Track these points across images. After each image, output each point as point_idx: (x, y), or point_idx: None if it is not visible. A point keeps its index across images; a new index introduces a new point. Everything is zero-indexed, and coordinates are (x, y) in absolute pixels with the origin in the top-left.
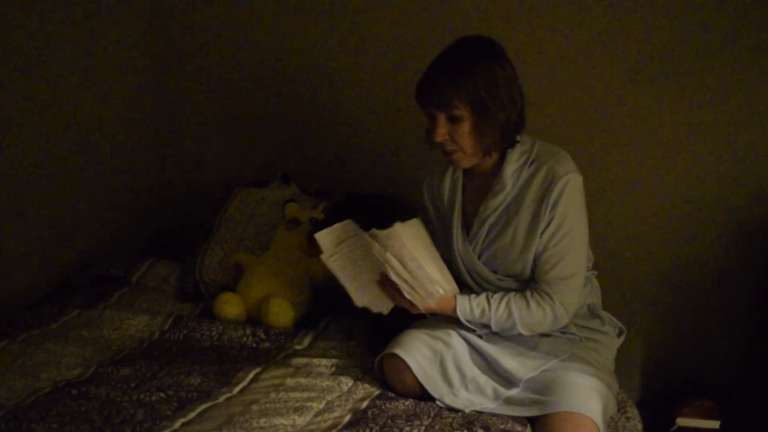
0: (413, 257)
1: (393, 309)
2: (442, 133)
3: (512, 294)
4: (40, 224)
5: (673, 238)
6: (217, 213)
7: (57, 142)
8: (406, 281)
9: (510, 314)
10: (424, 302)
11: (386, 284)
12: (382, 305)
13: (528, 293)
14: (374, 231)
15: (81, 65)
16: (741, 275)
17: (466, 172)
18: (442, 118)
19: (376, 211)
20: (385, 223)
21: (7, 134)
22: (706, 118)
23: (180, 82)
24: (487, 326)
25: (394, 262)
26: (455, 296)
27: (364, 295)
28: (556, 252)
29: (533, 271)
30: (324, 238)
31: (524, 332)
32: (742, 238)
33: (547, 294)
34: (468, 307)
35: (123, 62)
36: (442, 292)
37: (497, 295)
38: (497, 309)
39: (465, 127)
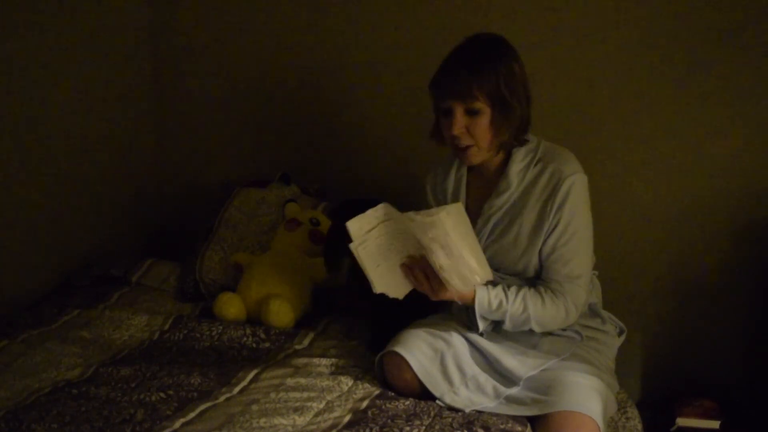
0: (455, 245)
1: (399, 304)
2: (460, 125)
3: (527, 289)
4: (40, 224)
5: (674, 238)
6: (217, 213)
7: (57, 141)
8: (444, 266)
9: (525, 308)
10: (447, 291)
11: (413, 269)
12: (399, 290)
13: (541, 289)
14: (415, 216)
15: (81, 65)
16: (741, 275)
17: (471, 170)
18: (460, 111)
19: None
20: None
21: (7, 134)
22: (706, 118)
23: (180, 82)
24: (496, 322)
25: (438, 248)
26: (474, 287)
27: (384, 281)
28: (566, 252)
29: (541, 271)
30: (354, 225)
31: (536, 328)
32: (742, 238)
33: (559, 292)
34: (486, 298)
35: (123, 62)
36: (478, 279)
37: (513, 288)
38: (514, 302)
39: (483, 121)
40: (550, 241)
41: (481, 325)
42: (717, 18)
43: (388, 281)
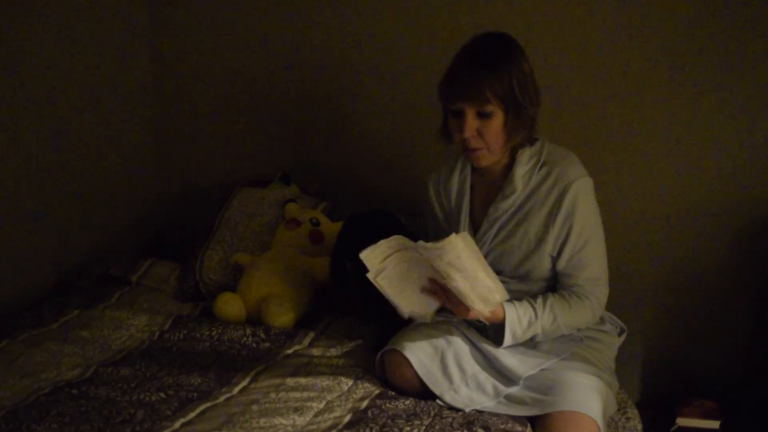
0: (470, 266)
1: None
2: (471, 128)
3: (551, 296)
4: (39, 224)
5: (674, 238)
6: (217, 213)
7: (57, 141)
8: (463, 291)
9: (555, 318)
10: (471, 311)
11: (437, 289)
12: (426, 313)
13: (564, 294)
14: (425, 244)
15: (80, 65)
16: (741, 275)
17: (475, 170)
18: (471, 114)
19: (389, 226)
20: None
21: (7, 134)
22: (705, 118)
23: (180, 82)
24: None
25: (455, 273)
26: (503, 305)
27: (410, 305)
28: (583, 258)
29: (560, 278)
30: (369, 256)
31: (565, 332)
32: (742, 238)
33: (583, 295)
34: (516, 316)
35: (123, 62)
36: (498, 297)
37: (539, 300)
38: (542, 315)
39: (495, 124)
40: (566, 252)
41: (508, 342)
42: (717, 17)
43: (413, 305)
